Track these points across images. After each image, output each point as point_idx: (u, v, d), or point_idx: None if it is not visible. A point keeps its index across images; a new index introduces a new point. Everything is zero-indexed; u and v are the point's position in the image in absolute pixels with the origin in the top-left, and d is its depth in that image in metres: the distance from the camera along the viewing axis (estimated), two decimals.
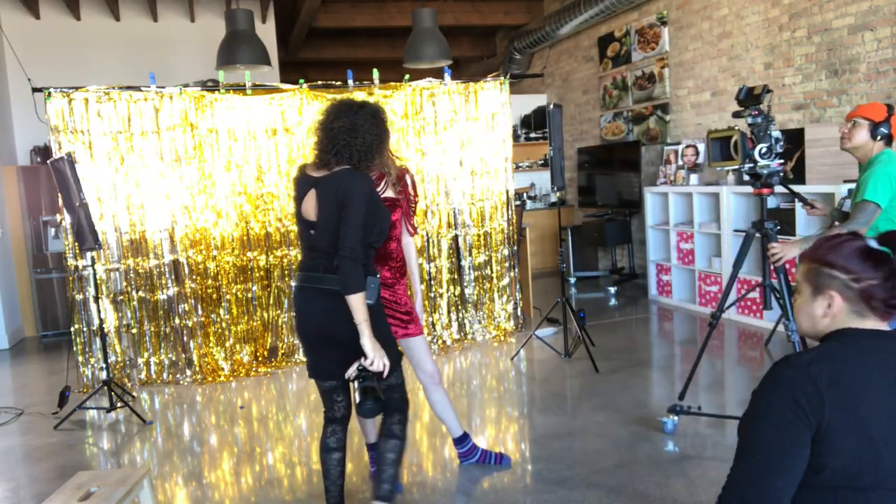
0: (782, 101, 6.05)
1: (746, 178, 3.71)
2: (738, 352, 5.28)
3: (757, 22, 6.25)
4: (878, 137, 3.25)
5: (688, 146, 6.97)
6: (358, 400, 2.41)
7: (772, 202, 5.52)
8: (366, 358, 2.45)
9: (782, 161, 3.56)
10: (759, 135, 3.50)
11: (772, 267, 3.54)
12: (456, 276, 6.02)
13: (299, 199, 2.62)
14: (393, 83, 5.81)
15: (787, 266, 3.48)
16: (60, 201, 4.83)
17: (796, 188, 4.22)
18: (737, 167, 3.61)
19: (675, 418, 3.72)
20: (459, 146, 5.93)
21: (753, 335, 5.63)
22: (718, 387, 4.61)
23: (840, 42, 5.46)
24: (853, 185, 4.74)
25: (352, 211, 2.47)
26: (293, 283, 2.75)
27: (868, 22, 5.21)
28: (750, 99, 3.56)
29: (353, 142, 2.56)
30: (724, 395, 4.37)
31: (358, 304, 2.45)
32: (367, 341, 2.45)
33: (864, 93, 5.30)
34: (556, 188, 5.19)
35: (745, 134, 3.55)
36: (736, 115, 3.69)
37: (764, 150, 3.49)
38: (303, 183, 2.63)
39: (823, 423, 1.39)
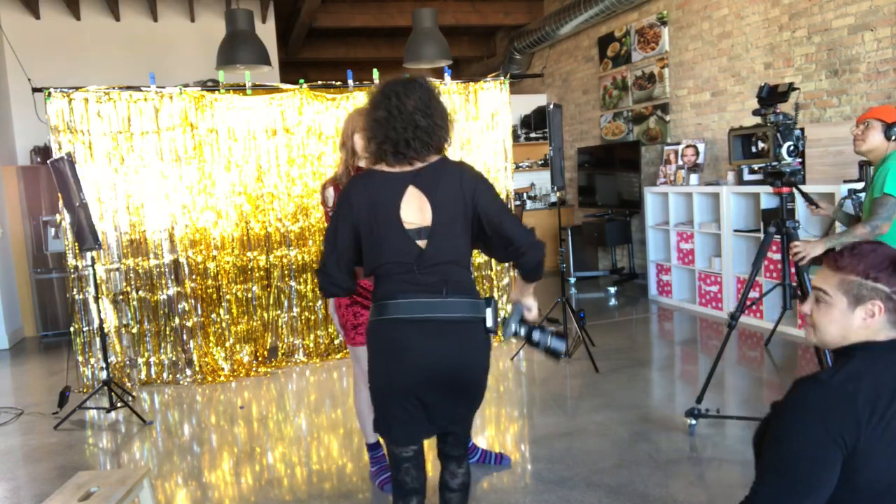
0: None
1: (758, 176, 3.70)
2: (738, 352, 5.27)
3: (757, 22, 6.25)
4: (892, 138, 3.27)
5: (688, 146, 6.97)
6: (552, 344, 2.24)
7: (772, 201, 5.51)
8: (530, 311, 2.25)
9: (801, 160, 3.54)
10: (784, 133, 3.46)
11: (792, 269, 3.51)
12: None
13: (387, 204, 2.09)
14: None
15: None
16: (60, 201, 4.83)
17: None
18: (763, 164, 3.56)
19: (695, 421, 3.70)
20: (459, 146, 5.93)
21: (753, 335, 5.63)
22: (719, 387, 4.60)
23: (840, 42, 5.46)
24: (852, 185, 4.76)
25: (496, 202, 2.14)
26: (383, 316, 2.12)
27: (868, 22, 5.20)
28: (774, 97, 3.53)
29: (433, 124, 2.15)
30: (724, 396, 4.36)
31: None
32: (532, 298, 2.26)
33: (864, 93, 5.30)
34: (556, 188, 5.19)
35: (776, 131, 3.50)
36: (757, 112, 3.62)
37: (791, 147, 3.47)
38: (385, 182, 2.12)
39: (859, 444, 1.38)
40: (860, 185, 4.78)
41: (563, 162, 5.25)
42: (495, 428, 4.10)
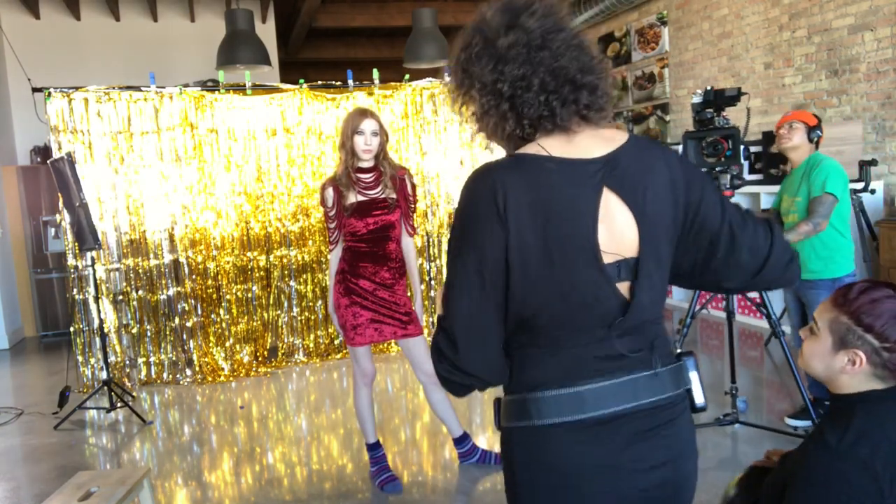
0: (782, 101, 6.05)
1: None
2: (738, 351, 5.27)
3: (757, 22, 6.25)
4: (814, 140, 3.50)
5: None
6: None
7: (771, 202, 5.50)
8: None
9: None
10: (735, 137, 3.55)
11: None
12: None
13: (574, 221, 1.16)
14: (393, 83, 5.80)
15: None
16: (60, 201, 4.83)
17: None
18: (723, 167, 3.58)
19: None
20: (459, 146, 5.93)
21: (753, 335, 5.62)
22: (719, 387, 4.59)
23: (840, 42, 5.46)
24: (852, 185, 4.76)
25: (727, 206, 1.31)
26: (549, 420, 1.21)
27: (868, 22, 5.20)
28: (722, 100, 3.56)
29: (602, 72, 1.24)
30: (724, 396, 4.35)
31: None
32: None
33: (864, 93, 5.30)
34: None
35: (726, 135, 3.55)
36: (702, 116, 3.61)
37: (745, 153, 3.53)
38: (563, 179, 1.17)
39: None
40: (860, 185, 4.78)
41: None
42: (495, 428, 4.10)
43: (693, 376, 1.31)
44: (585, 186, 1.18)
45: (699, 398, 1.31)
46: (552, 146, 1.19)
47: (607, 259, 1.18)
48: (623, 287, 1.21)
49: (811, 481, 1.37)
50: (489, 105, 1.22)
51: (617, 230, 1.20)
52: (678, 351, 1.33)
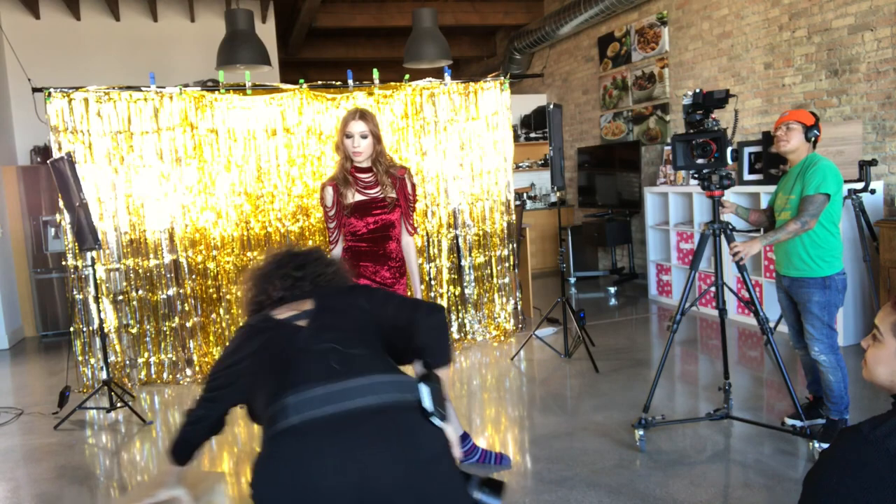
0: (782, 101, 6.05)
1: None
2: (738, 351, 5.27)
3: (757, 22, 6.25)
4: (812, 139, 3.50)
5: None
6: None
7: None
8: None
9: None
10: (722, 139, 3.56)
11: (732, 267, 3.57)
12: (456, 276, 6.02)
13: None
14: (393, 83, 5.81)
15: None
16: (60, 201, 4.83)
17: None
18: (711, 169, 3.59)
19: (642, 432, 3.64)
20: (459, 146, 5.94)
21: (753, 335, 5.63)
22: (717, 384, 4.60)
23: (840, 42, 5.46)
24: (852, 185, 4.76)
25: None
26: None
27: (868, 22, 5.20)
28: (710, 102, 3.57)
29: None
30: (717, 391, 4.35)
31: None
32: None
33: (864, 93, 5.30)
34: (556, 188, 5.20)
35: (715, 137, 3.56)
36: (692, 118, 3.62)
37: (733, 154, 3.54)
38: None
39: None
40: (860, 185, 4.79)
41: (563, 162, 5.25)
42: (495, 428, 4.10)
43: None
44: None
45: None
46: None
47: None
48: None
49: (833, 459, 1.37)
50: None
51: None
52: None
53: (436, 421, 1.71)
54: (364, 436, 1.62)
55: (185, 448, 1.94)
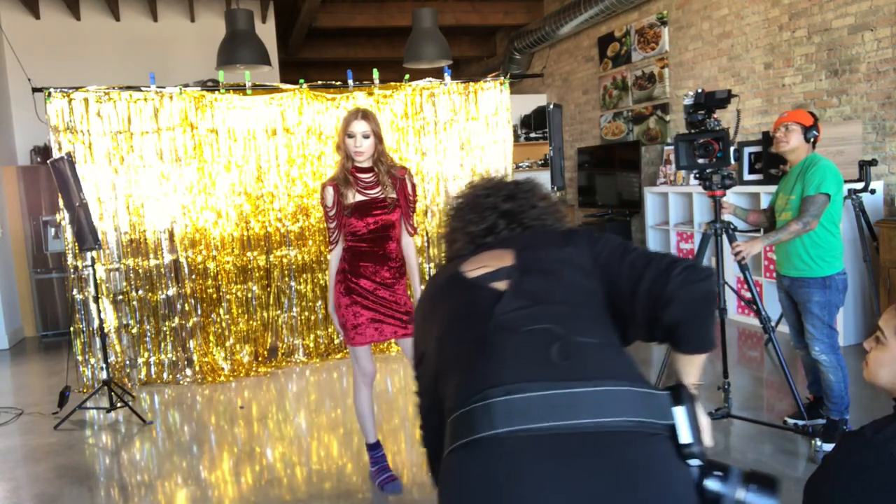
0: (782, 101, 6.05)
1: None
2: (738, 351, 5.27)
3: (757, 22, 6.25)
4: (811, 140, 3.51)
5: None
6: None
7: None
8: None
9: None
10: (725, 139, 3.57)
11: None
12: None
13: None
14: (393, 83, 5.81)
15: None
16: (60, 201, 4.83)
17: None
18: (713, 168, 3.59)
19: None
20: (459, 146, 5.93)
21: (753, 335, 5.62)
22: (716, 383, 4.60)
23: (840, 42, 5.46)
24: (852, 185, 4.76)
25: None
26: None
27: (868, 22, 5.20)
28: (712, 102, 3.58)
29: None
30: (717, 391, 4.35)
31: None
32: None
33: (864, 93, 5.30)
34: (556, 188, 5.20)
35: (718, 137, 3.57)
36: (693, 118, 3.63)
37: (735, 154, 3.55)
38: None
39: None
40: (860, 186, 4.79)
41: (563, 162, 5.25)
42: None
43: None
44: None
45: None
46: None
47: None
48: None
49: (836, 463, 1.36)
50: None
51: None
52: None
53: (692, 462, 1.24)
54: (595, 473, 1.15)
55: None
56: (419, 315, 1.58)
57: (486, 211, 1.59)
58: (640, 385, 1.26)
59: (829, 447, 3.33)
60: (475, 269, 1.46)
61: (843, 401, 3.45)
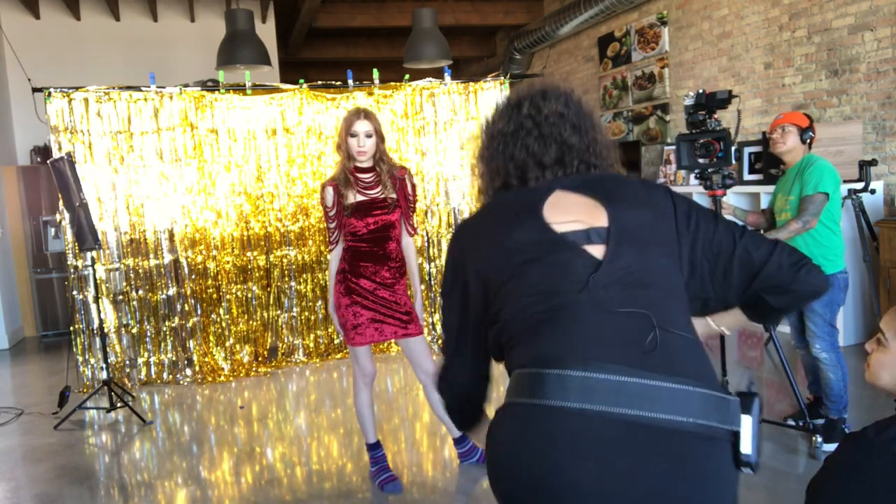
0: (782, 101, 6.05)
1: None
2: (738, 351, 5.27)
3: (757, 22, 6.25)
4: (807, 141, 3.54)
5: None
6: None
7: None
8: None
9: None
10: (726, 139, 3.58)
11: None
12: None
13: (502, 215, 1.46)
14: (393, 83, 5.81)
15: None
16: (60, 201, 4.83)
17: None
18: (714, 168, 3.60)
19: None
20: (459, 146, 5.93)
21: (753, 335, 5.62)
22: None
23: (840, 42, 5.46)
24: (852, 185, 4.76)
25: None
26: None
27: (868, 22, 5.20)
28: (713, 103, 3.58)
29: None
30: None
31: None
32: None
33: (864, 93, 5.30)
34: None
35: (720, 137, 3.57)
36: (694, 118, 3.64)
37: (736, 154, 3.56)
38: None
39: None
40: (860, 185, 4.78)
41: None
42: None
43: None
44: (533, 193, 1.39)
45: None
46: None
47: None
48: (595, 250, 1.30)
49: (838, 463, 1.36)
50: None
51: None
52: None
53: (745, 471, 1.25)
54: (654, 467, 1.16)
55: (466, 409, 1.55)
56: (470, 232, 1.46)
57: (549, 139, 1.41)
58: (716, 389, 1.25)
59: (828, 446, 3.34)
60: (564, 220, 1.32)
61: (841, 400, 3.46)
